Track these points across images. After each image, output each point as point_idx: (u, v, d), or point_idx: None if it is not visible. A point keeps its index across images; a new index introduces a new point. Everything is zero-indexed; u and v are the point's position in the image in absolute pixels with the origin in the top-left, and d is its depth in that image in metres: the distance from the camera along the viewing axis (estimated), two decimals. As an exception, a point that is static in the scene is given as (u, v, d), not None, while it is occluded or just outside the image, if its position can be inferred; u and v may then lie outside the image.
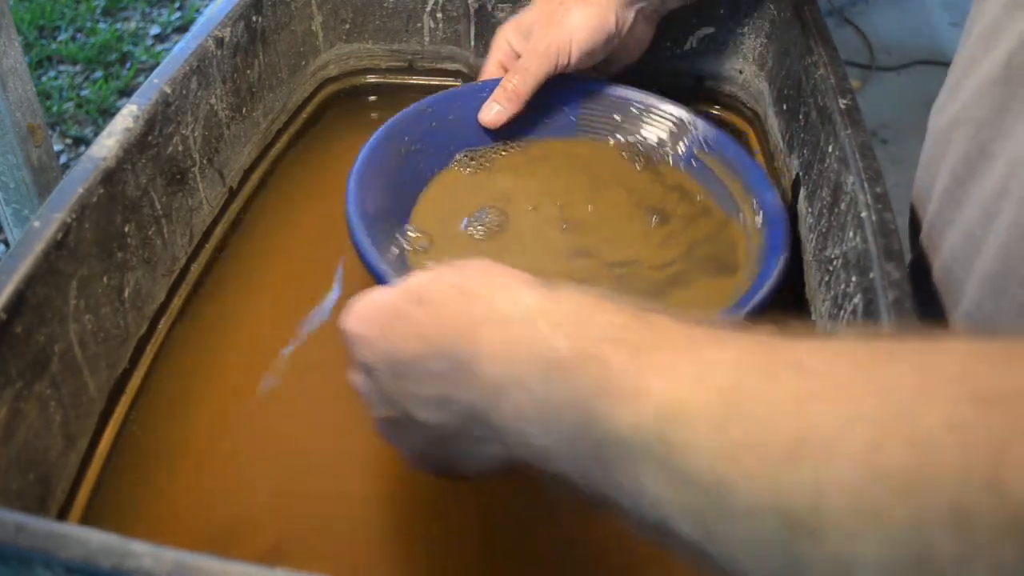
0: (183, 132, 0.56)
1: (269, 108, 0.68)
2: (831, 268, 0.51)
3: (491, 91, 0.65)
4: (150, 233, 0.53)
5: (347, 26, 0.75)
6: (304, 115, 0.73)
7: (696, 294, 0.55)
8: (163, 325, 0.55)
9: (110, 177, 0.49)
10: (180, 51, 0.58)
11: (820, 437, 0.23)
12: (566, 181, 0.63)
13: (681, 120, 0.65)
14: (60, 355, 0.45)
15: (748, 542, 0.25)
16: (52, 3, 2.23)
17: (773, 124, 0.69)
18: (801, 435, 0.24)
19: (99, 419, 0.48)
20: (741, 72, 0.74)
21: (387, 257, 0.54)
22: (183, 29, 2.21)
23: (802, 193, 0.60)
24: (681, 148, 0.64)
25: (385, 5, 0.74)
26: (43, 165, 1.08)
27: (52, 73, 2.06)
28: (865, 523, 0.22)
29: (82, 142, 1.87)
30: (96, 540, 0.30)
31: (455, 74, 0.76)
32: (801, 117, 0.62)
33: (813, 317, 0.54)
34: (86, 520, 0.45)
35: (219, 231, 0.61)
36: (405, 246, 0.58)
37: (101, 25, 2.21)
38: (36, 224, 0.44)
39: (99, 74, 2.05)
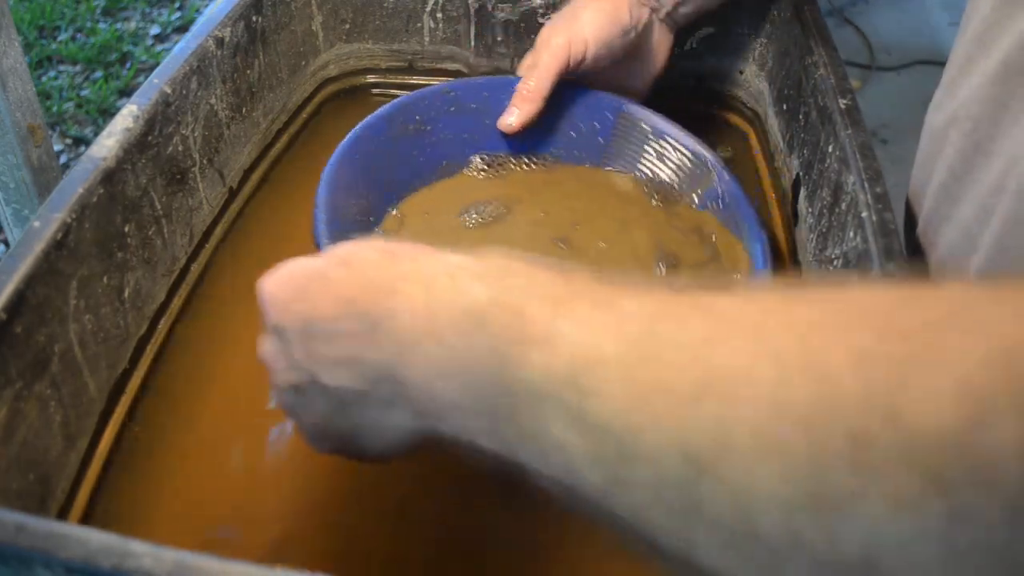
0: (183, 132, 0.56)
1: (269, 108, 0.68)
2: (831, 268, 0.51)
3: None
4: (150, 233, 0.53)
5: (347, 26, 0.75)
6: (304, 115, 0.73)
7: None
8: (163, 325, 0.55)
9: (110, 177, 0.49)
10: (180, 51, 0.58)
11: (726, 376, 0.23)
12: (582, 207, 0.61)
13: (706, 165, 0.61)
14: (60, 355, 0.45)
15: (651, 486, 0.24)
16: (52, 3, 2.23)
17: (773, 124, 0.69)
18: (708, 376, 0.24)
19: (99, 419, 0.48)
20: (741, 72, 0.74)
21: (346, 230, 0.53)
22: (183, 29, 2.21)
23: (802, 193, 0.60)
24: (697, 195, 0.61)
25: (385, 5, 0.74)
26: (43, 165, 1.08)
27: (52, 73, 2.06)
28: (766, 457, 0.22)
29: (82, 142, 1.87)
30: (96, 540, 0.30)
31: (455, 74, 0.76)
32: (801, 117, 0.62)
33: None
34: (86, 520, 0.45)
35: (219, 231, 0.61)
36: (376, 227, 0.57)
37: (101, 25, 2.21)
38: (36, 224, 0.44)
39: (99, 74, 2.05)
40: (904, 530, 0.20)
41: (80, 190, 0.47)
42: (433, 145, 0.63)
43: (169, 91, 0.55)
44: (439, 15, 0.75)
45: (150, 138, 0.53)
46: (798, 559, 0.22)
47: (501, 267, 0.32)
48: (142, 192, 0.52)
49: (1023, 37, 0.41)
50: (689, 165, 0.62)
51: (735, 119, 0.74)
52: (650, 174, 0.63)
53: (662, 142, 0.63)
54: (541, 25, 0.72)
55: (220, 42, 0.60)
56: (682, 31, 0.70)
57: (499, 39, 0.75)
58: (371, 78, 0.77)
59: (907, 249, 0.53)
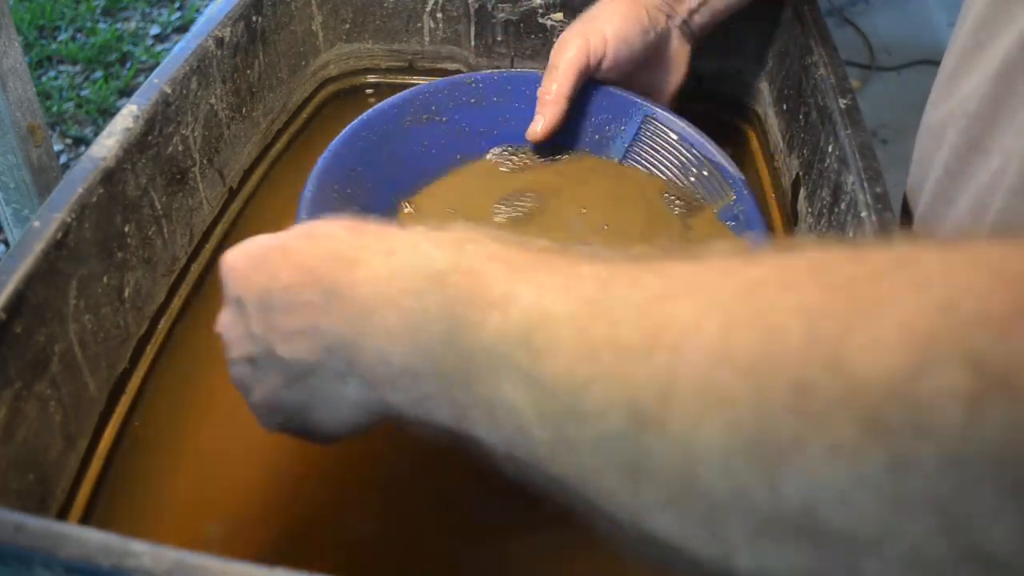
0: (183, 132, 0.56)
1: (269, 108, 0.68)
2: (831, 268, 0.51)
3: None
4: (150, 233, 0.53)
5: (347, 26, 0.75)
6: (304, 115, 0.73)
7: None
8: (163, 325, 0.55)
9: (110, 177, 0.49)
10: (180, 51, 0.58)
11: (674, 330, 0.24)
12: (610, 209, 0.60)
13: (727, 181, 0.59)
14: (60, 355, 0.45)
15: (596, 443, 0.24)
16: (52, 3, 2.23)
17: (773, 124, 0.69)
18: (657, 331, 0.24)
19: (99, 419, 0.48)
20: (741, 72, 0.74)
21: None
22: (183, 29, 2.21)
23: (802, 193, 0.60)
24: (714, 210, 0.59)
25: (385, 5, 0.74)
26: (43, 165, 1.08)
27: (52, 73, 2.06)
28: (709, 407, 0.22)
29: (82, 142, 1.87)
30: (95, 539, 0.30)
31: (455, 74, 0.76)
32: (801, 117, 0.62)
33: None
34: (86, 520, 0.45)
35: (219, 231, 0.61)
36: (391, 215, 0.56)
37: (101, 25, 2.21)
38: (36, 224, 0.44)
39: (99, 74, 2.05)
40: (843, 479, 0.20)
41: (80, 190, 0.47)
42: (447, 136, 0.61)
43: (169, 91, 0.55)
44: (439, 15, 0.75)
45: (150, 138, 0.53)
46: (739, 511, 0.22)
47: (464, 237, 0.32)
48: (142, 192, 0.52)
49: (1022, 36, 0.42)
50: (707, 176, 0.60)
51: (735, 119, 0.74)
52: (673, 179, 0.61)
53: (686, 151, 0.61)
54: (541, 25, 0.72)
55: (220, 42, 0.60)
56: (698, 43, 0.68)
57: (499, 39, 0.75)
58: (371, 78, 0.77)
59: None
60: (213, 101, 0.60)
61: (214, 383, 0.53)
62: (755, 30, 0.72)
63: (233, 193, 0.63)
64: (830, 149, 0.54)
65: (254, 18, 0.64)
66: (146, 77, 0.58)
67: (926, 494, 0.19)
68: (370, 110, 0.59)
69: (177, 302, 0.56)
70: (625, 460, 0.24)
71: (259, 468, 0.49)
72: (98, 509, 0.46)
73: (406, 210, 0.58)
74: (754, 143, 0.72)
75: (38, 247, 0.43)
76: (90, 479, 0.47)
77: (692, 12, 0.64)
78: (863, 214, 0.47)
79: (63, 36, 2.16)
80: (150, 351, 0.53)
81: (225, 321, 0.38)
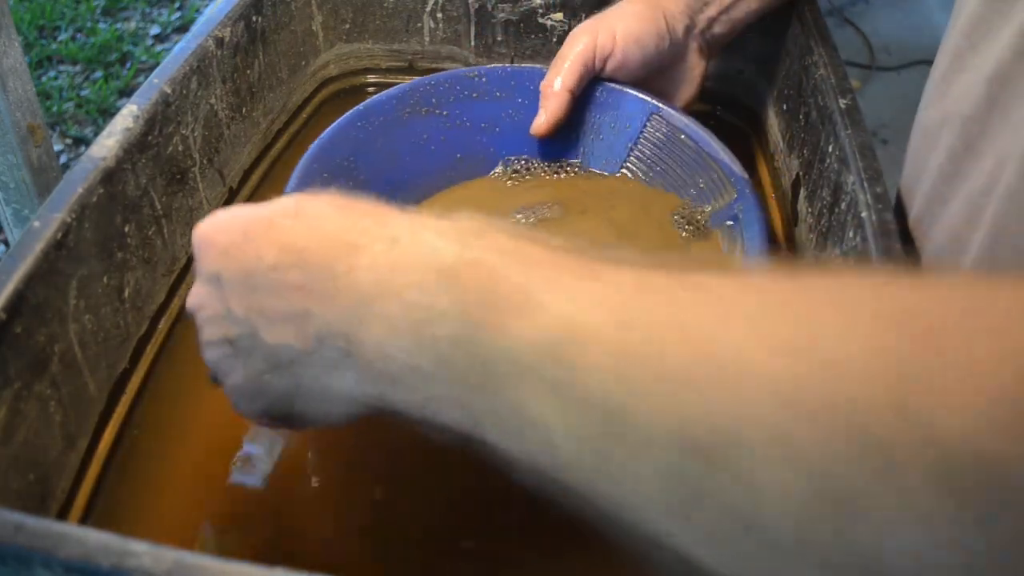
0: (183, 132, 0.56)
1: (269, 108, 0.68)
2: (831, 268, 0.51)
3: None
4: (150, 233, 0.53)
5: (347, 26, 0.75)
6: (304, 115, 0.73)
7: None
8: (163, 325, 0.55)
9: (110, 177, 0.49)
10: (180, 51, 0.58)
11: (727, 362, 0.22)
12: (614, 228, 0.58)
13: (729, 180, 0.57)
14: (60, 355, 0.45)
15: (639, 470, 0.23)
16: (52, 3, 2.23)
17: (773, 124, 0.69)
18: (706, 359, 0.23)
19: (99, 419, 0.48)
20: (741, 72, 0.74)
21: None
22: (183, 29, 2.21)
23: (802, 193, 0.60)
24: (713, 208, 0.58)
25: (385, 5, 0.74)
26: (43, 165, 1.08)
27: (52, 73, 2.06)
28: (775, 450, 0.21)
29: (82, 142, 1.87)
30: (95, 539, 0.30)
31: (455, 74, 0.76)
32: (801, 117, 0.62)
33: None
34: (86, 520, 0.45)
35: (219, 231, 0.61)
36: None
37: (101, 25, 2.21)
38: (36, 224, 0.44)
39: (99, 74, 2.05)
40: (919, 537, 0.19)
41: (80, 190, 0.47)
42: (447, 131, 0.60)
43: (169, 91, 0.55)
44: (439, 15, 0.75)
45: (150, 138, 0.53)
46: (804, 557, 0.21)
47: (473, 227, 0.30)
48: (142, 192, 0.52)
49: (1014, 38, 0.41)
50: (710, 174, 0.58)
51: (735, 119, 0.74)
52: (678, 189, 0.60)
53: (690, 148, 0.59)
54: (541, 25, 0.72)
55: (220, 42, 0.60)
56: (713, 55, 0.67)
57: (499, 39, 0.75)
58: (371, 78, 0.77)
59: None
60: (213, 101, 0.60)
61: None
62: (755, 30, 0.72)
63: (233, 193, 0.63)
64: (830, 149, 0.54)
65: (254, 18, 0.64)
66: (146, 77, 0.58)
67: (1007, 557, 0.18)
68: (368, 100, 0.59)
69: (177, 302, 0.56)
70: (675, 493, 0.23)
71: (259, 468, 0.49)
72: (98, 509, 0.46)
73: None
74: (754, 143, 0.72)
75: (38, 247, 0.43)
76: (90, 479, 0.47)
77: (712, 21, 0.63)
78: (863, 214, 0.47)
79: (63, 36, 2.16)
80: (150, 351, 0.53)
81: (199, 298, 0.36)
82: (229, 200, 0.63)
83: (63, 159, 1.80)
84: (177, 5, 2.31)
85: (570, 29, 0.62)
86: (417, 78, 0.62)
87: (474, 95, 0.61)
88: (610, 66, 0.61)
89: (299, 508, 0.47)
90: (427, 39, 0.76)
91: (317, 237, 0.32)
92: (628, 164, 0.62)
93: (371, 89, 0.77)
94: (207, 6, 2.12)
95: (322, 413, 0.34)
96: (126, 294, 0.51)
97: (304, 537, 0.45)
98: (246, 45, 0.64)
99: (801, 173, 0.61)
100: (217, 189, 0.61)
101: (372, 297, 0.30)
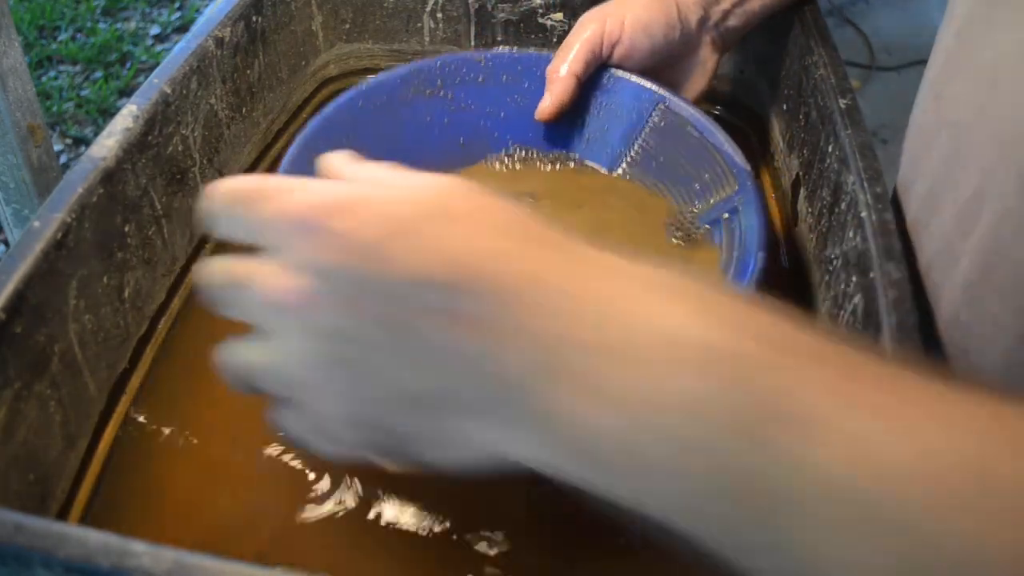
0: (183, 132, 0.56)
1: (269, 108, 0.68)
2: (831, 268, 0.51)
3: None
4: (150, 233, 0.53)
5: (347, 26, 0.75)
6: (304, 115, 0.73)
7: None
8: (163, 325, 0.55)
9: (110, 177, 0.49)
10: (180, 51, 0.58)
11: None
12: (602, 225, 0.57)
13: (731, 172, 0.56)
14: (60, 355, 0.45)
15: None
16: (52, 3, 2.23)
17: (773, 124, 0.69)
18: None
19: (99, 419, 0.48)
20: (741, 72, 0.74)
21: None
22: (183, 29, 2.21)
23: (802, 193, 0.60)
24: (714, 200, 0.57)
25: (385, 5, 0.74)
26: (43, 165, 1.08)
27: (52, 73, 2.06)
28: None
29: (82, 142, 1.87)
30: (95, 539, 0.30)
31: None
32: (801, 117, 0.62)
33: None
34: (86, 520, 0.45)
35: (219, 231, 0.61)
36: None
37: (101, 25, 2.21)
38: (36, 224, 0.44)
39: (99, 74, 2.05)
40: None
41: (80, 190, 0.47)
42: (452, 115, 0.60)
43: (169, 91, 0.55)
44: (439, 15, 0.75)
45: (150, 138, 0.53)
46: None
47: (698, 292, 0.24)
48: (142, 192, 0.52)
49: (1004, 44, 0.41)
50: (712, 164, 0.57)
51: (735, 119, 0.74)
52: (681, 182, 0.59)
53: (694, 139, 0.58)
54: (541, 25, 0.72)
55: (220, 42, 0.60)
56: (727, 49, 0.66)
57: (499, 39, 0.75)
58: (371, 78, 0.77)
59: None
60: (213, 101, 0.60)
61: (214, 383, 0.53)
62: (755, 30, 0.72)
63: (233, 193, 0.63)
64: (830, 149, 0.54)
65: (254, 18, 0.64)
66: (146, 77, 0.58)
67: None
68: (372, 78, 0.58)
69: (177, 302, 0.56)
70: None
71: (259, 468, 0.49)
72: (98, 509, 0.46)
73: None
74: (754, 143, 0.72)
75: (38, 247, 0.43)
76: (90, 479, 0.47)
77: (727, 14, 0.62)
78: (863, 214, 0.47)
79: (63, 36, 2.16)
80: (150, 351, 0.53)
81: (289, 292, 0.27)
82: (229, 200, 0.63)
83: (63, 159, 1.80)
84: (177, 5, 2.31)
85: (570, 29, 0.62)
86: (423, 59, 0.61)
87: (480, 79, 0.61)
88: (617, 53, 0.60)
89: (300, 508, 0.47)
90: (427, 39, 0.76)
91: (492, 257, 0.26)
92: (632, 154, 0.61)
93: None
94: (207, 6, 2.12)
95: (448, 461, 0.28)
96: (126, 294, 0.51)
97: (304, 538, 0.45)
98: (246, 45, 0.64)
99: (801, 173, 0.61)
100: (217, 189, 0.61)
101: (575, 353, 0.24)
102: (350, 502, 0.47)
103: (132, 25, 2.23)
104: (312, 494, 0.47)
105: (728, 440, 0.22)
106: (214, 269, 0.31)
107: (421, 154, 0.58)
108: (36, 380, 0.43)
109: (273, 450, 0.49)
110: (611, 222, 0.58)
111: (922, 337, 0.40)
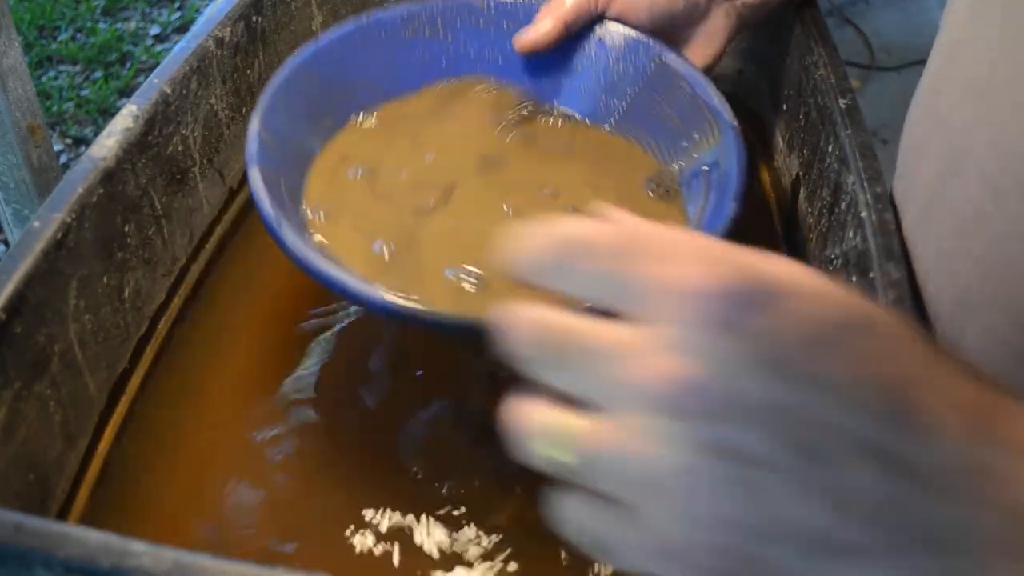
0: (183, 132, 0.56)
1: (269, 108, 0.68)
2: (831, 268, 0.51)
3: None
4: (150, 233, 0.53)
5: (347, 26, 0.75)
6: (304, 115, 0.73)
7: None
8: (163, 325, 0.55)
9: (110, 177, 0.49)
10: (180, 51, 0.58)
11: None
12: (565, 177, 0.56)
13: (717, 126, 0.55)
14: (60, 355, 0.45)
15: None
16: (52, 3, 2.23)
17: (773, 124, 0.69)
18: None
19: (99, 419, 0.48)
20: (741, 72, 0.74)
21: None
22: (183, 29, 2.21)
23: (802, 193, 0.60)
24: (696, 157, 0.56)
25: (385, 5, 0.74)
26: (43, 165, 1.08)
27: (52, 73, 2.06)
28: None
29: (82, 142, 1.87)
30: (95, 539, 0.30)
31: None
32: (801, 117, 0.62)
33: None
34: (86, 520, 0.45)
35: (219, 231, 0.61)
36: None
37: (101, 25, 2.21)
38: (36, 224, 0.44)
39: (99, 74, 2.05)
40: None
41: (80, 190, 0.47)
42: (449, 57, 0.60)
43: (169, 91, 0.55)
44: (439, 15, 0.74)
45: (150, 138, 0.53)
46: None
47: None
48: (142, 192, 0.52)
49: (1001, 49, 0.40)
50: (700, 118, 0.56)
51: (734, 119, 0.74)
52: (668, 138, 0.57)
53: (687, 96, 0.57)
54: (541, 25, 0.71)
55: (220, 42, 0.60)
56: (746, 25, 0.64)
57: (499, 39, 0.75)
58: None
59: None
60: (213, 101, 0.60)
61: (214, 384, 0.53)
62: (754, 29, 0.72)
63: (233, 193, 0.63)
64: (830, 149, 0.54)
65: (254, 18, 0.64)
66: (146, 77, 0.58)
67: None
68: (372, 15, 0.59)
69: (177, 302, 0.56)
70: None
71: (258, 468, 0.49)
72: (98, 509, 0.46)
73: (366, 121, 0.57)
74: (754, 143, 0.72)
75: (38, 247, 0.43)
76: (90, 479, 0.47)
77: None
78: (863, 214, 0.47)
79: (63, 36, 2.16)
80: (150, 351, 0.53)
81: (666, 377, 0.22)
82: (229, 200, 0.63)
83: (63, 159, 1.80)
84: (177, 5, 2.31)
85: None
86: (425, 1, 0.61)
87: (480, 23, 0.61)
88: (614, 8, 0.59)
89: (300, 509, 0.47)
90: (427, 39, 0.76)
91: (931, 391, 0.22)
92: (623, 108, 0.60)
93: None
94: (207, 6, 2.12)
95: None
96: (126, 294, 0.51)
97: (304, 538, 0.45)
98: (246, 45, 0.64)
99: (801, 173, 0.61)
100: (217, 189, 0.61)
101: None
102: (349, 503, 0.47)
103: (132, 25, 2.23)
104: (311, 495, 0.47)
105: None
106: (540, 418, 0.24)
107: (413, 90, 0.59)
108: (36, 380, 0.43)
109: (272, 451, 0.49)
110: (586, 173, 0.57)
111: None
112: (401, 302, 0.43)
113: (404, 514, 0.46)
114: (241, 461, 0.49)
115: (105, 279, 0.49)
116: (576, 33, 0.60)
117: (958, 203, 0.43)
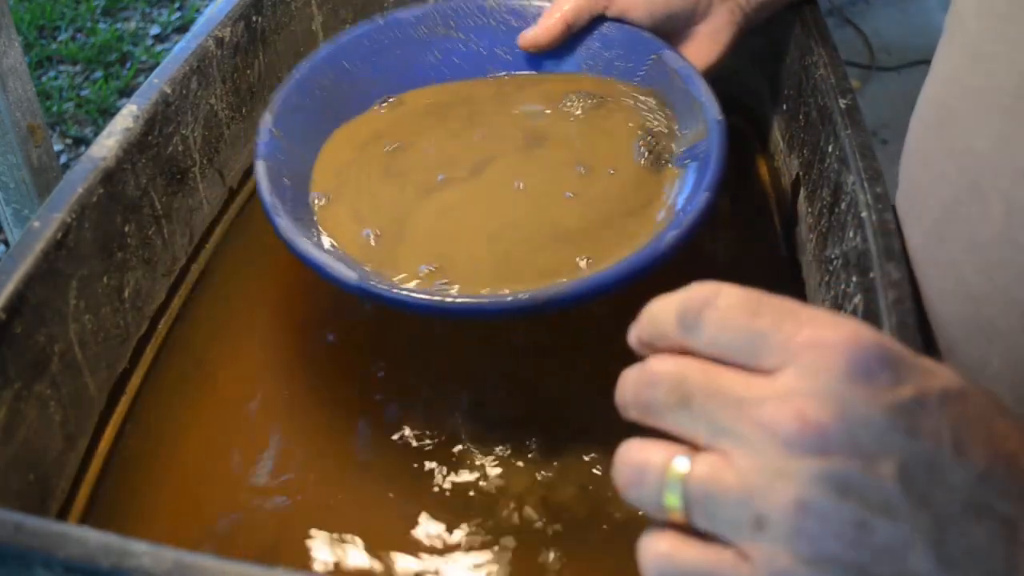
0: (183, 132, 0.56)
1: (269, 108, 0.68)
2: (831, 268, 0.51)
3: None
4: (150, 233, 0.53)
5: (347, 26, 0.75)
6: (304, 115, 0.73)
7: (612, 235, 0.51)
8: (163, 325, 0.55)
9: (110, 177, 0.49)
10: (180, 51, 0.58)
11: None
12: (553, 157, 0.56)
13: (705, 120, 0.55)
14: (60, 355, 0.45)
15: None
16: (52, 3, 2.23)
17: (773, 124, 0.69)
18: None
19: (99, 419, 0.48)
20: (741, 72, 0.74)
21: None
22: (183, 29, 2.21)
23: (802, 193, 0.60)
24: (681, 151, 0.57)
25: (385, 6, 0.74)
26: (43, 165, 1.08)
27: (52, 73, 2.06)
28: None
29: (82, 142, 1.87)
30: (95, 539, 0.30)
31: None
32: (801, 117, 0.62)
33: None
34: (86, 520, 0.45)
35: (219, 231, 0.61)
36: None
37: (101, 25, 2.21)
38: (36, 224, 0.44)
39: (99, 74, 2.05)
40: None
41: (80, 190, 0.47)
42: (461, 55, 0.62)
43: (169, 91, 0.55)
44: (439, 15, 0.75)
45: (150, 138, 0.53)
46: None
47: None
48: (142, 192, 0.52)
49: (1020, 66, 0.38)
50: (688, 112, 0.57)
51: (734, 119, 0.74)
52: (652, 128, 0.58)
53: (681, 92, 0.58)
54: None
55: (220, 42, 0.60)
56: (750, 25, 0.64)
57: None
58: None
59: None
60: (213, 101, 0.60)
61: (214, 383, 0.53)
62: (754, 29, 0.72)
63: (233, 193, 0.63)
64: (830, 149, 0.54)
65: (254, 18, 0.64)
66: (146, 77, 0.58)
67: None
68: (388, 15, 0.61)
69: (177, 302, 0.56)
70: None
71: (258, 467, 0.49)
72: (98, 509, 0.46)
73: (387, 103, 0.60)
74: (754, 143, 0.72)
75: (38, 247, 0.43)
76: (90, 479, 0.47)
77: None
78: (863, 214, 0.47)
79: (63, 36, 2.16)
80: (150, 351, 0.53)
81: (808, 424, 0.23)
82: (229, 200, 0.63)
83: (63, 159, 1.80)
84: (177, 5, 2.31)
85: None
86: (437, 2, 0.63)
87: (491, 22, 0.63)
88: (615, 8, 0.60)
89: (299, 509, 0.47)
90: (427, 39, 0.76)
91: None
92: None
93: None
94: (207, 6, 2.12)
95: None
96: (126, 294, 0.51)
97: (304, 538, 0.45)
98: (246, 45, 0.64)
99: (801, 173, 0.61)
100: (217, 189, 0.61)
101: None
102: (349, 504, 0.47)
103: (132, 25, 2.23)
104: (311, 495, 0.47)
105: None
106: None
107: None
108: (36, 380, 0.43)
109: (272, 451, 0.49)
110: (580, 148, 0.57)
111: (922, 338, 0.40)
112: (383, 286, 0.45)
113: (408, 509, 0.46)
114: (241, 461, 0.49)
115: (105, 279, 0.49)
116: (578, 31, 0.62)
117: (978, 229, 0.41)
